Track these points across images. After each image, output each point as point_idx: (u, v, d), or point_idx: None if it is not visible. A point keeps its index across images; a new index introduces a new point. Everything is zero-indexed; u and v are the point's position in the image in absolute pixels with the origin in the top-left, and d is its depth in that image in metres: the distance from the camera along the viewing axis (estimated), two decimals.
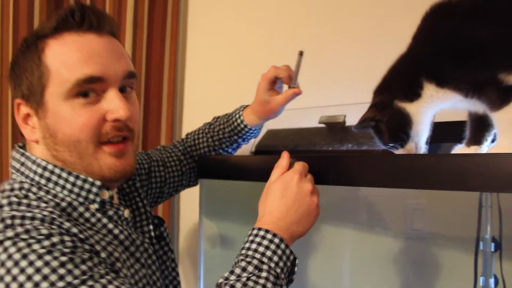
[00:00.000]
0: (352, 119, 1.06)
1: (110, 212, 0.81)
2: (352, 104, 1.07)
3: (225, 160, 1.13)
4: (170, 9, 1.63)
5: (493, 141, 0.83)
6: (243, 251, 0.76)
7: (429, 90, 0.81)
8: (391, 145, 0.86)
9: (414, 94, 0.82)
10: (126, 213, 0.84)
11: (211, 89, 1.67)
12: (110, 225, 0.79)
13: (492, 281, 1.01)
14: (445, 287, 1.18)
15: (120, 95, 0.78)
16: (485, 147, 0.83)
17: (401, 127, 0.84)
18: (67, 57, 0.75)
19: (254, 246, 0.76)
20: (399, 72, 0.85)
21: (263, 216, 0.80)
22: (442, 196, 1.16)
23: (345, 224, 1.35)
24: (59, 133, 0.76)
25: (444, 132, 0.92)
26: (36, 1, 1.53)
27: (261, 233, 0.77)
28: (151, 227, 0.91)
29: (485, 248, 1.02)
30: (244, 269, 0.73)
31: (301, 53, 1.01)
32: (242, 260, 0.75)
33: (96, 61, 0.76)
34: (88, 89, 0.76)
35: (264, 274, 0.72)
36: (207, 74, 1.68)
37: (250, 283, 0.71)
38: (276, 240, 0.76)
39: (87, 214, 0.78)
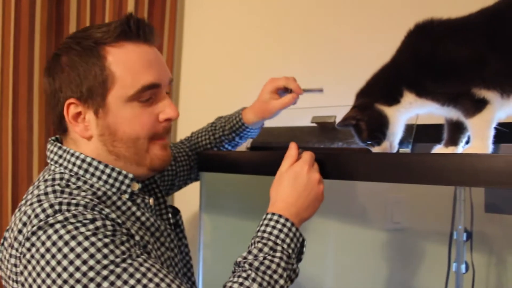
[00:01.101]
0: None
1: (138, 200, 0.89)
2: (342, 106, 1.15)
3: (224, 155, 1.21)
4: (168, 12, 1.69)
5: (467, 142, 0.93)
6: (259, 233, 0.85)
7: (409, 98, 0.91)
8: (369, 142, 0.95)
9: (393, 100, 0.92)
10: (151, 201, 0.92)
11: (206, 91, 1.73)
12: (138, 213, 0.87)
13: (463, 266, 1.12)
14: (421, 273, 1.29)
15: (169, 98, 0.89)
16: (461, 148, 0.93)
17: (379, 127, 0.93)
18: (132, 64, 0.84)
19: (269, 229, 0.84)
20: (382, 79, 0.94)
21: (276, 202, 0.89)
22: (420, 191, 1.27)
23: (329, 216, 1.43)
24: (119, 131, 0.85)
25: (425, 134, 1.02)
26: (36, 24, 1.58)
27: (275, 217, 0.85)
28: (170, 215, 0.99)
29: (458, 238, 1.13)
30: (260, 250, 0.81)
31: (321, 90, 1.12)
32: (258, 241, 0.83)
33: (154, 69, 0.86)
34: (149, 94, 0.85)
35: (278, 254, 0.81)
36: (202, 76, 1.74)
37: (266, 262, 0.80)
38: (288, 224, 0.84)
39: (119, 203, 0.85)
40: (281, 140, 1.25)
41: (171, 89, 0.94)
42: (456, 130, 0.93)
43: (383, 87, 0.94)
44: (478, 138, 0.86)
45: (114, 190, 0.86)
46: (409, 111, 0.93)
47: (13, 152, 1.56)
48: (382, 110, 0.93)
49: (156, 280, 0.73)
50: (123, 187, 0.87)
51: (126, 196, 0.87)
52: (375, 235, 1.39)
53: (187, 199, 1.72)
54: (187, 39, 1.78)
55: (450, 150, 0.93)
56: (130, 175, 0.87)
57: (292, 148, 0.95)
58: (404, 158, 0.86)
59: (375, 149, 0.95)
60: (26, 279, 0.74)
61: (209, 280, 1.35)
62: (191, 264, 1.06)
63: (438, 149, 0.95)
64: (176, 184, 1.20)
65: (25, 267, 0.74)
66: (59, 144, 0.88)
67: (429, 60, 0.88)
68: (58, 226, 0.73)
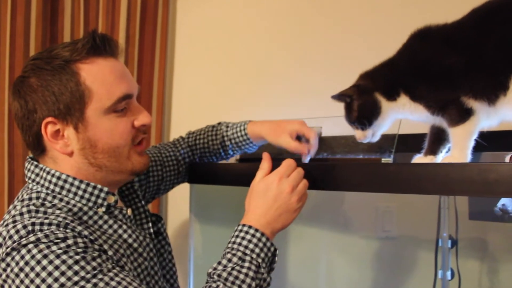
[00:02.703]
0: (328, 131, 1.18)
1: (116, 212, 0.91)
2: (328, 117, 1.18)
3: (214, 166, 1.23)
4: (159, 28, 1.73)
5: (447, 152, 0.95)
6: (229, 245, 0.88)
7: (404, 100, 0.94)
8: (355, 124, 0.98)
9: (391, 98, 0.95)
10: (129, 211, 0.94)
11: (197, 103, 1.76)
12: (115, 226, 0.89)
13: (448, 273, 1.13)
14: (412, 281, 1.30)
15: (140, 105, 0.94)
16: (440, 157, 0.95)
17: (370, 115, 0.95)
18: (105, 78, 0.87)
19: (238, 240, 0.87)
20: (386, 73, 0.96)
21: (247, 214, 0.92)
22: (410, 200, 1.29)
23: (321, 226, 1.46)
24: (100, 142, 0.88)
25: (407, 143, 1.05)
26: (31, 43, 1.62)
27: (245, 229, 0.88)
28: (150, 224, 1.01)
29: (443, 245, 1.15)
30: (229, 260, 0.85)
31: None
32: (228, 252, 0.86)
33: (125, 81, 0.90)
34: (124, 104, 0.89)
35: (246, 264, 0.84)
36: (194, 88, 1.77)
37: (234, 272, 0.83)
38: (258, 235, 0.87)
39: (95, 217, 0.88)
40: (270, 151, 1.27)
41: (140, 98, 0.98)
42: (437, 140, 0.96)
43: (385, 82, 0.96)
44: (457, 148, 0.89)
45: (90, 204, 0.88)
46: (402, 112, 0.96)
47: (9, 166, 1.59)
48: (379, 100, 0.95)
49: None
50: (99, 201, 0.89)
51: (103, 209, 0.89)
52: (367, 243, 1.41)
53: (177, 208, 1.74)
54: (179, 53, 1.81)
55: (429, 159, 0.95)
56: (105, 189, 0.89)
57: (265, 160, 0.97)
58: (383, 168, 0.88)
59: (357, 133, 0.98)
60: None
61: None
62: (174, 271, 1.08)
63: (418, 158, 0.97)
64: (162, 189, 1.22)
65: (2, 287, 0.77)
66: (35, 163, 0.91)
67: (424, 67, 0.91)
68: (30, 246, 0.76)
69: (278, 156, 1.10)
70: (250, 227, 0.88)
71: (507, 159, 0.87)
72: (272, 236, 0.89)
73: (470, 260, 1.18)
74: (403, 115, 0.97)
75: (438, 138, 0.95)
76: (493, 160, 0.99)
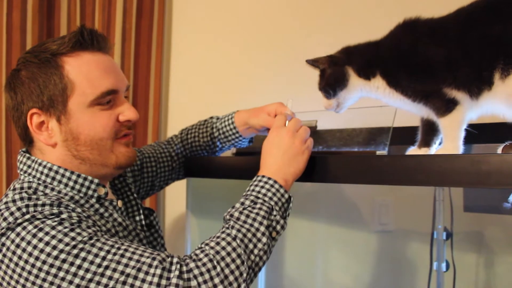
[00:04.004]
0: (323, 124, 1.18)
1: (106, 203, 0.93)
2: (323, 111, 1.18)
3: (210, 160, 1.24)
4: (155, 23, 1.72)
5: (440, 143, 0.95)
6: (244, 193, 0.91)
7: (379, 82, 0.96)
8: (322, 91, 1.02)
9: (365, 76, 0.97)
10: (120, 203, 0.96)
11: (194, 98, 1.77)
12: (106, 214, 0.91)
13: (443, 265, 1.15)
14: (409, 272, 1.31)
15: (128, 102, 0.95)
16: (434, 149, 0.96)
17: (336, 85, 0.99)
18: (90, 72, 0.89)
19: (252, 187, 0.92)
20: (366, 52, 0.98)
21: (260, 169, 0.96)
22: (405, 193, 1.30)
23: (317, 219, 1.47)
24: (82, 135, 0.89)
25: (401, 136, 1.05)
26: (28, 38, 1.62)
27: (258, 178, 0.93)
28: (142, 216, 1.03)
29: (438, 237, 1.16)
30: (242, 203, 0.89)
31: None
32: (242, 198, 0.90)
33: (111, 76, 0.91)
34: (109, 99, 0.90)
35: (258, 205, 0.88)
36: (190, 83, 1.78)
37: (246, 211, 0.87)
38: (270, 182, 0.91)
39: (86, 205, 0.90)
40: (256, 146, 1.28)
41: (129, 94, 0.97)
42: (430, 132, 0.96)
43: (364, 60, 0.98)
44: (449, 139, 0.89)
45: (81, 194, 0.90)
46: (373, 93, 0.98)
47: (7, 162, 1.59)
48: (348, 74, 0.99)
49: (124, 247, 0.78)
50: (90, 192, 0.91)
51: (93, 200, 0.91)
52: (364, 236, 1.42)
53: (174, 202, 1.75)
54: (175, 48, 1.81)
55: (423, 151, 0.96)
56: (96, 180, 0.91)
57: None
58: (377, 160, 0.89)
59: (323, 101, 1.03)
60: (3, 278, 0.78)
61: None
62: None
63: (412, 150, 0.98)
64: (156, 185, 1.23)
65: None
66: (27, 155, 0.92)
67: (407, 56, 0.92)
68: (25, 223, 0.78)
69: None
70: (263, 176, 0.92)
71: (499, 151, 0.88)
72: (285, 183, 0.92)
73: (465, 252, 1.19)
74: (374, 96, 0.99)
75: (430, 130, 0.96)
76: (486, 152, 1.00)
